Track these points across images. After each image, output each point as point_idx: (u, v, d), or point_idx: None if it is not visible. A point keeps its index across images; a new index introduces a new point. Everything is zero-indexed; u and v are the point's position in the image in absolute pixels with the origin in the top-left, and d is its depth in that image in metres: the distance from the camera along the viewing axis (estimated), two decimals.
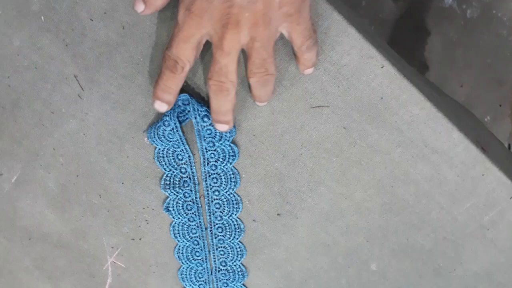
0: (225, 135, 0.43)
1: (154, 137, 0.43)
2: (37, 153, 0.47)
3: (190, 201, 0.47)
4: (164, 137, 0.43)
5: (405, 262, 0.50)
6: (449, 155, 0.43)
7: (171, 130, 0.42)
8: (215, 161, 0.44)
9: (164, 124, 0.42)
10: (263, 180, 0.46)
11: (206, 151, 0.43)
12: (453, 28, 0.97)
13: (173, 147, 0.43)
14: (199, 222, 0.48)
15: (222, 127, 0.41)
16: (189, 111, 0.42)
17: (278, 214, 0.48)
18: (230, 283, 0.51)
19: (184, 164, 0.45)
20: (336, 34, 0.39)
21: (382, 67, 0.40)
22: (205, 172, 0.45)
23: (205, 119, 0.42)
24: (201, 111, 0.42)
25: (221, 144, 0.43)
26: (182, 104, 0.42)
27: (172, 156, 0.44)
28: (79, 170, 0.48)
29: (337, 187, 0.46)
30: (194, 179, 0.45)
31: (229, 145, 0.43)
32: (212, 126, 0.42)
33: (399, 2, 1.04)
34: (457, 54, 0.87)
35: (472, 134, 0.44)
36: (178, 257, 0.50)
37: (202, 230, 0.48)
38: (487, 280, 0.51)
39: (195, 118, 0.42)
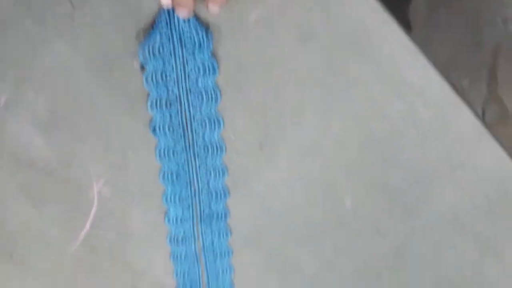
0: (203, 43, 0.44)
1: (148, 52, 0.44)
2: (27, 75, 0.48)
3: (176, 123, 0.48)
4: (158, 50, 0.44)
5: (377, 200, 0.52)
6: (425, 92, 0.46)
7: (166, 40, 0.43)
8: (196, 76, 0.46)
9: (159, 33, 0.43)
10: (248, 112, 0.48)
11: (187, 63, 0.45)
12: None
13: (164, 63, 0.45)
14: (184, 145, 0.49)
15: (183, 12, 0.41)
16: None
17: (260, 147, 0.50)
18: (213, 204, 0.53)
19: (172, 83, 0.46)
20: None
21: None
22: (186, 88, 0.46)
23: (186, 22, 0.43)
24: None
25: (200, 53, 0.44)
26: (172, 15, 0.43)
27: (161, 74, 0.46)
28: (68, 94, 0.49)
29: (318, 121, 0.48)
30: (180, 100, 0.47)
31: (209, 57, 0.45)
32: (191, 31, 0.43)
33: None
34: (440, 16, 0.89)
35: (446, 74, 0.46)
36: (163, 180, 0.52)
37: (187, 153, 0.50)
38: (452, 221, 0.54)
39: (177, 19, 0.43)
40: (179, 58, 0.45)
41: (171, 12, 0.43)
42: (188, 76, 0.46)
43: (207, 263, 0.59)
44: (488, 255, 0.57)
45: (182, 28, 0.43)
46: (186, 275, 0.60)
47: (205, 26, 0.44)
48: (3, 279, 0.63)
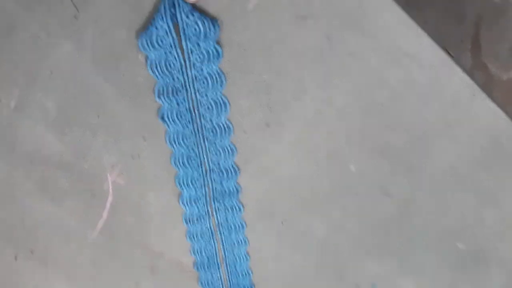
0: (209, 33, 0.45)
1: (147, 44, 0.46)
2: (35, 76, 0.49)
3: (183, 109, 0.50)
4: (157, 42, 0.45)
5: (380, 162, 0.55)
6: (419, 58, 0.48)
7: (164, 33, 0.45)
8: (201, 63, 0.47)
9: (156, 27, 0.44)
10: (252, 93, 0.50)
11: (192, 53, 0.46)
12: None
13: (166, 53, 0.46)
14: (193, 129, 0.51)
15: None
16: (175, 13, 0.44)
17: (266, 125, 0.52)
18: (225, 182, 0.56)
19: (176, 72, 0.47)
20: None
21: None
22: (192, 76, 0.48)
23: (190, 16, 0.44)
24: (185, 7, 0.44)
25: (205, 43, 0.46)
26: (169, 8, 0.44)
27: (165, 64, 0.47)
28: (77, 91, 0.50)
29: (320, 95, 0.50)
30: (186, 87, 0.48)
31: (213, 45, 0.46)
32: (197, 24, 0.44)
33: None
34: None
35: (439, 40, 0.48)
36: (175, 164, 0.54)
37: (196, 137, 0.52)
38: (452, 174, 0.57)
39: (180, 15, 0.44)
40: (183, 48, 0.46)
41: (171, 6, 0.44)
42: (193, 64, 0.47)
43: (223, 238, 0.62)
44: (487, 204, 0.60)
45: (185, 22, 0.44)
46: (203, 252, 0.63)
47: (210, 17, 0.45)
48: (26, 275, 0.65)
